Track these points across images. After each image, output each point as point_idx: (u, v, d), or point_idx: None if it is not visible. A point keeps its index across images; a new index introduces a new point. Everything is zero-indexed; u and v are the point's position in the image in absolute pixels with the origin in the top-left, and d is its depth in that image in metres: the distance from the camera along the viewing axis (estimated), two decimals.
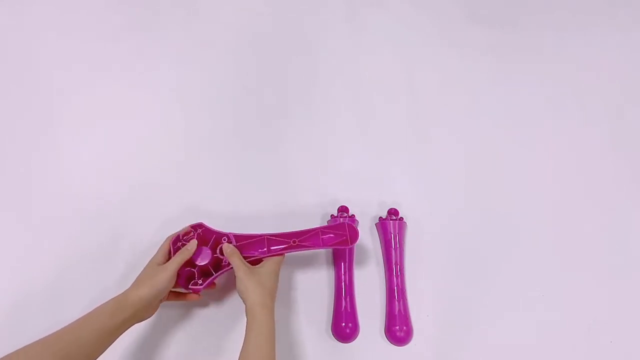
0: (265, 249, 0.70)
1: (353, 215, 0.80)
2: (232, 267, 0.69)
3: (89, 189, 0.83)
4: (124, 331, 0.62)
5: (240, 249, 0.70)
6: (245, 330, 0.61)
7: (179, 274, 0.66)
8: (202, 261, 0.68)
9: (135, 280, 0.64)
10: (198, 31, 1.03)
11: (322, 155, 0.89)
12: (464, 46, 1.04)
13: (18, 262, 0.77)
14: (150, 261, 0.67)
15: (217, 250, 0.70)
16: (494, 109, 0.96)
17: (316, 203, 0.84)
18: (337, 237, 0.71)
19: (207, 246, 0.69)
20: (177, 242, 0.69)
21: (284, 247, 0.71)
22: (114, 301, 0.62)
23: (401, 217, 0.80)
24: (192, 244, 0.68)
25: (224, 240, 0.70)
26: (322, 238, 0.71)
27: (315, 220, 0.82)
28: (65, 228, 0.80)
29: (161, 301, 0.67)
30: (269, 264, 0.68)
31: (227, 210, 0.82)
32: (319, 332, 0.73)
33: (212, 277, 0.68)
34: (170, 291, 0.68)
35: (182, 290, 0.69)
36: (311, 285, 0.76)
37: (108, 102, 0.93)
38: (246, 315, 0.62)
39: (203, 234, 0.71)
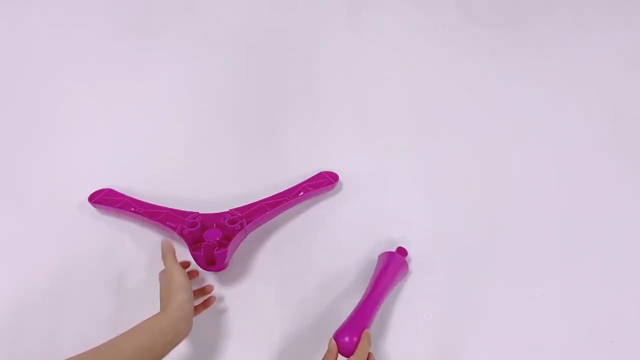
0: (268, 212, 0.75)
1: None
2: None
3: (89, 188, 0.83)
4: (166, 353, 0.55)
5: (248, 216, 0.74)
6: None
7: (196, 256, 0.68)
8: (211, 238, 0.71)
9: (160, 302, 0.61)
10: (197, 30, 1.04)
11: (322, 154, 0.89)
12: (464, 45, 1.04)
13: (18, 263, 0.77)
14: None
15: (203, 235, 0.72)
16: (493, 107, 0.96)
17: (317, 203, 0.84)
18: (322, 184, 0.81)
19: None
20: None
21: (282, 206, 0.77)
22: (150, 319, 0.57)
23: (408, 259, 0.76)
24: (164, 243, 0.67)
25: (224, 218, 0.73)
26: (310, 189, 0.80)
27: (315, 221, 0.82)
28: (66, 228, 0.80)
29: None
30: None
31: (228, 205, 0.81)
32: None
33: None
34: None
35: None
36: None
37: (108, 104, 0.93)
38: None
39: (203, 219, 0.74)
